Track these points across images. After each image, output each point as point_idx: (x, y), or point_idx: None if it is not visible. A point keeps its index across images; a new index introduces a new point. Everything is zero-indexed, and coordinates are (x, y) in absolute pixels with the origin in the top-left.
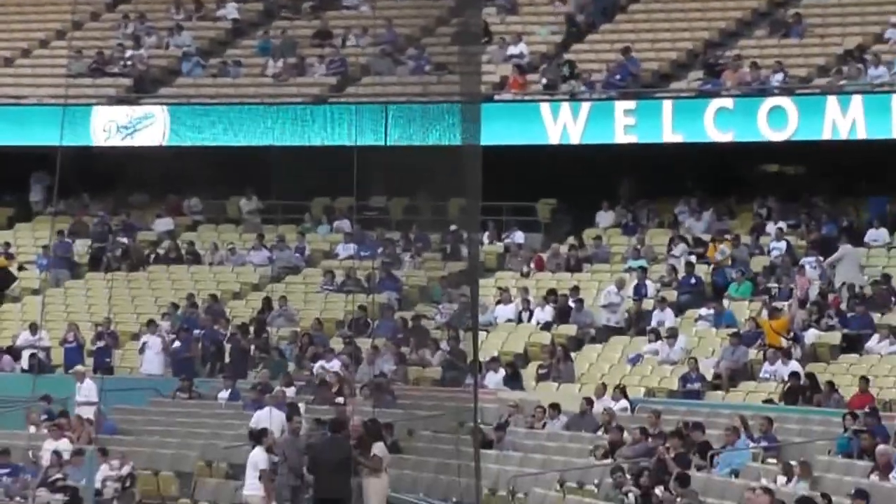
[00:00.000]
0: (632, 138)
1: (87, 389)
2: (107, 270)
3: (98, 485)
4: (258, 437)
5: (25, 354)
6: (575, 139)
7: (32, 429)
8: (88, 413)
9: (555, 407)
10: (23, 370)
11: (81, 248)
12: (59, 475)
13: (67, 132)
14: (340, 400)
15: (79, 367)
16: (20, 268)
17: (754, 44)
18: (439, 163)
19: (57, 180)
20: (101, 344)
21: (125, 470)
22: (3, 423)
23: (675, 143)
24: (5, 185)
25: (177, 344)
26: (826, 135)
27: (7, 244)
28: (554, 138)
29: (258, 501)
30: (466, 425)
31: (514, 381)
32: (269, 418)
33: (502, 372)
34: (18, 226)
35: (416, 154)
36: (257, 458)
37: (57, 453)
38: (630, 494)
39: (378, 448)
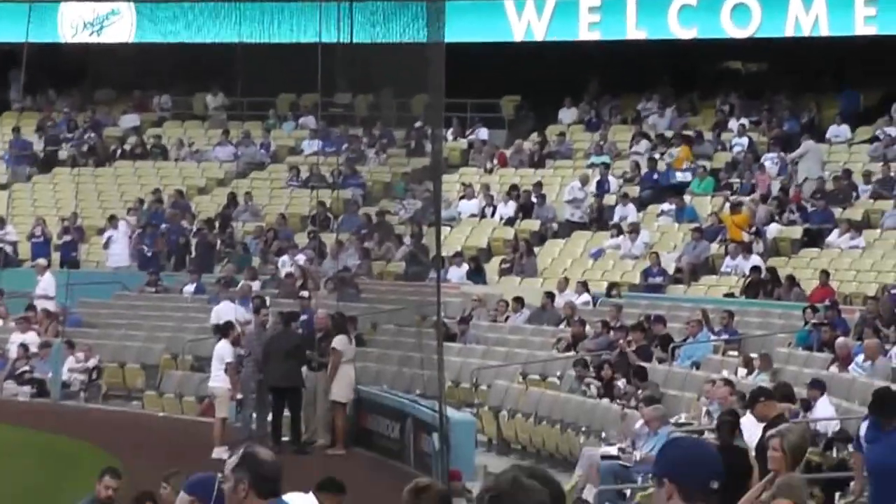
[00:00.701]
0: (595, 35)
1: (46, 283)
2: (73, 166)
3: (65, 377)
4: (224, 330)
5: None
6: (539, 36)
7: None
8: (46, 306)
9: (518, 300)
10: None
11: (49, 143)
12: (26, 367)
13: (34, 29)
14: (305, 294)
15: (40, 261)
16: None
17: None
18: (404, 59)
19: (23, 76)
20: (67, 238)
21: (91, 362)
22: None
23: (638, 39)
24: None
25: (143, 238)
26: (789, 31)
27: None
28: (518, 35)
29: (224, 393)
30: (429, 319)
31: (477, 275)
32: (227, 312)
33: (465, 266)
34: None
35: (381, 51)
36: (223, 350)
37: (24, 346)
38: (592, 386)
39: (340, 341)
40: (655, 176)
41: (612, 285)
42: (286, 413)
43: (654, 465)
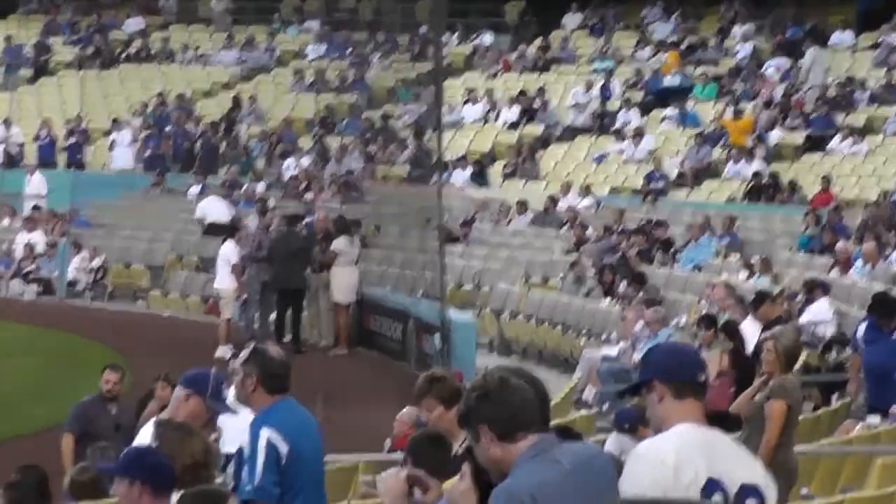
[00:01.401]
0: None
1: (37, 183)
2: (79, 68)
3: (70, 276)
4: (230, 230)
5: None
6: None
7: (6, 221)
8: (38, 205)
9: (522, 204)
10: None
11: (54, 46)
12: (32, 267)
13: None
14: (308, 196)
15: (27, 162)
16: None
17: None
18: None
19: None
20: (72, 140)
21: (97, 262)
22: None
23: None
24: None
25: (148, 141)
26: None
27: None
28: None
29: (229, 293)
30: (432, 221)
31: (480, 178)
32: (212, 208)
33: (469, 170)
34: None
35: None
36: (228, 251)
37: (30, 246)
38: (599, 286)
39: (341, 243)
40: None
41: (647, 192)
42: (289, 313)
43: (641, 371)
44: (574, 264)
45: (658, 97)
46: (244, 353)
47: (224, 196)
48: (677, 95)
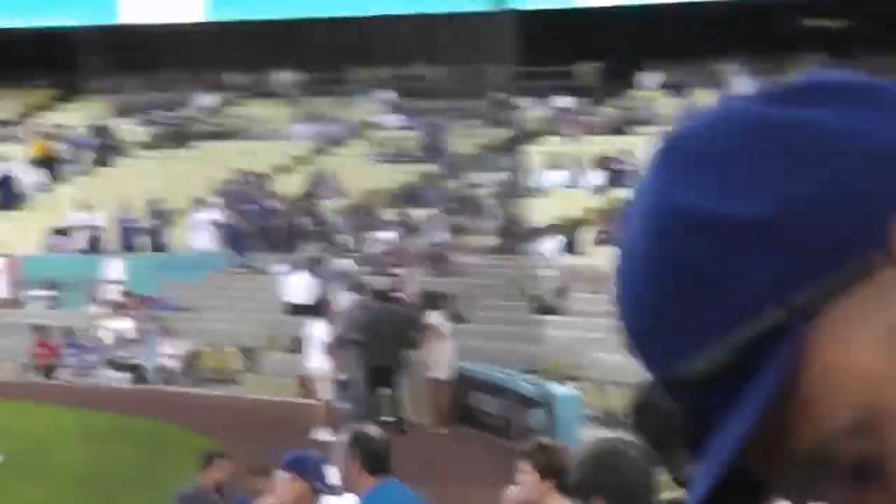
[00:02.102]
0: None
1: (115, 268)
2: (153, 148)
3: (161, 361)
4: (315, 309)
5: (79, 235)
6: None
7: (93, 308)
8: (117, 291)
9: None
10: (80, 251)
11: (127, 127)
12: (122, 353)
13: (106, 10)
14: (396, 271)
15: (106, 246)
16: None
17: None
18: (478, 29)
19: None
20: (153, 222)
21: (187, 346)
22: (64, 303)
23: (715, 1)
24: (48, 64)
25: (228, 219)
26: None
27: (58, 126)
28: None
29: (322, 373)
30: (525, 293)
31: (572, 246)
32: (300, 287)
33: (557, 238)
34: (64, 106)
35: (455, 21)
36: (318, 330)
37: (118, 332)
38: None
39: (435, 317)
40: None
41: None
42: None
43: None
44: None
45: None
46: (344, 437)
47: (309, 273)
48: None
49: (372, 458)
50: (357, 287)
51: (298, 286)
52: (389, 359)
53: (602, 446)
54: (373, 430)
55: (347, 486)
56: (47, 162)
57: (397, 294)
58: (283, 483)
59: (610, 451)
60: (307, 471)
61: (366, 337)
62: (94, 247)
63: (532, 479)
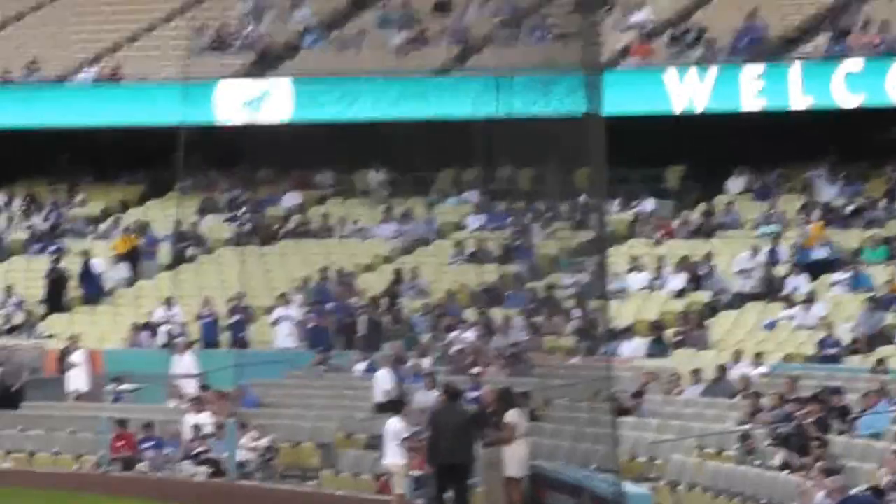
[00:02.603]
0: (760, 103)
1: (186, 362)
2: (238, 245)
3: (240, 457)
4: (396, 406)
5: (162, 330)
6: (700, 106)
7: (173, 403)
8: (189, 386)
9: (696, 373)
10: (162, 346)
11: (212, 223)
12: (201, 448)
13: (191, 109)
14: (475, 370)
15: (179, 340)
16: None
17: (884, 4)
18: (564, 132)
19: (181, 158)
20: (235, 318)
21: (265, 442)
22: (144, 397)
23: (801, 110)
24: (136, 162)
25: (310, 317)
26: None
27: (139, 221)
28: (679, 106)
29: (399, 469)
30: (602, 393)
31: (655, 347)
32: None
33: (637, 340)
34: (150, 203)
35: (541, 124)
36: (396, 426)
37: (198, 427)
38: (776, 457)
39: (513, 416)
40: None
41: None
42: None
43: None
44: (745, 436)
45: (808, 269)
46: None
47: (389, 371)
48: (828, 267)
49: None
50: (436, 385)
51: (378, 384)
52: (459, 457)
53: None
54: None
55: None
56: (132, 257)
57: (475, 393)
58: None
59: None
60: None
61: (436, 435)
62: (176, 342)
63: None
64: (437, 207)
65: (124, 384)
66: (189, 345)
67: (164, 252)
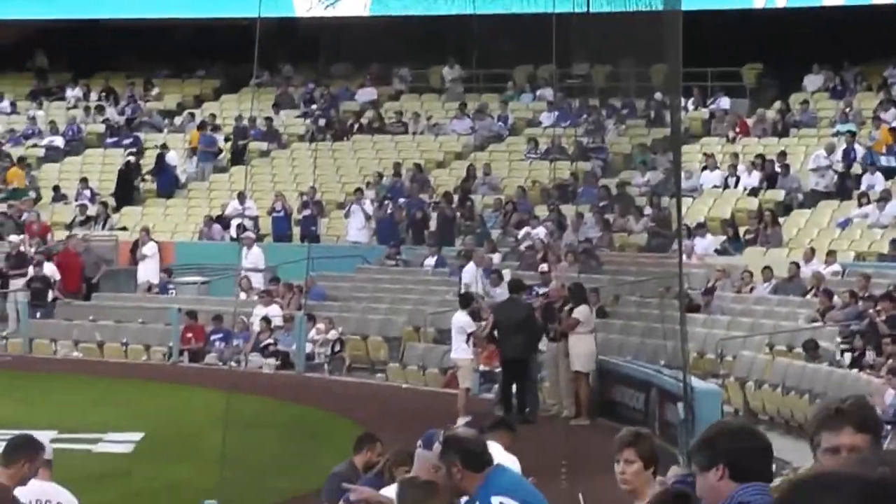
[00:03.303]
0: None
1: (254, 256)
2: (311, 140)
3: (308, 349)
4: (465, 301)
5: (234, 223)
6: (781, 2)
7: (243, 295)
8: (255, 279)
9: (768, 270)
10: (231, 238)
11: (286, 118)
12: (269, 340)
13: (269, 2)
14: (545, 266)
15: (248, 234)
16: (226, 139)
17: None
18: (641, 29)
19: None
20: (307, 213)
21: (333, 335)
22: (214, 290)
23: (884, 3)
24: (212, 56)
25: (382, 212)
26: None
27: (213, 115)
28: (759, 1)
29: (466, 364)
30: (672, 290)
31: (727, 245)
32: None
33: (709, 237)
34: (225, 97)
35: (618, 21)
36: (463, 321)
37: (267, 319)
38: (846, 355)
39: (583, 311)
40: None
41: (858, 255)
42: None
43: None
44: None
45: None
46: (436, 447)
47: (459, 267)
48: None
49: (471, 457)
50: (506, 281)
51: (448, 279)
52: (517, 351)
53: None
54: (462, 430)
55: (459, 493)
56: (206, 152)
57: (544, 288)
58: (424, 459)
59: (732, 424)
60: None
61: (500, 330)
62: (244, 236)
63: (637, 467)
64: (512, 104)
65: (195, 276)
66: (257, 239)
67: (240, 146)
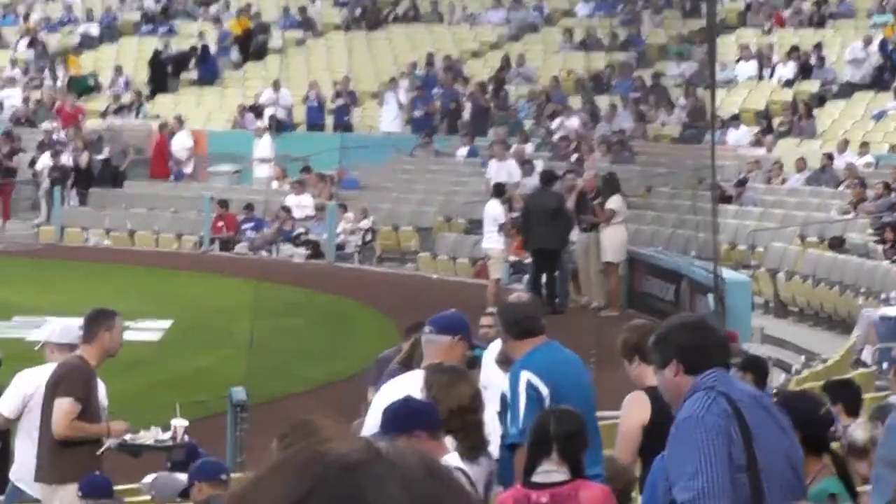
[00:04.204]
0: None
1: (264, 145)
2: (346, 30)
3: (339, 239)
4: (497, 191)
5: (267, 112)
6: None
7: (275, 184)
8: (264, 169)
9: (801, 161)
10: (265, 128)
11: (322, 7)
12: (301, 229)
13: None
14: (577, 156)
15: (258, 123)
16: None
17: None
18: None
19: None
20: (340, 102)
21: (365, 224)
22: (246, 178)
23: None
24: None
25: (416, 102)
26: None
27: (248, 4)
28: None
29: (497, 254)
30: (705, 181)
31: (760, 136)
32: (488, 168)
33: (743, 128)
34: None
35: None
36: (494, 211)
37: (286, 208)
38: (879, 245)
39: (615, 201)
40: None
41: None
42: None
43: None
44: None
45: None
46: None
47: (492, 157)
48: None
49: (513, 324)
50: (538, 172)
51: (480, 170)
52: (548, 241)
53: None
54: (513, 297)
55: (505, 357)
56: (244, 40)
57: (550, 175)
58: (444, 343)
59: (685, 319)
60: (465, 332)
61: (530, 220)
62: (281, 125)
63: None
64: None
65: (227, 164)
66: (266, 128)
67: (275, 35)
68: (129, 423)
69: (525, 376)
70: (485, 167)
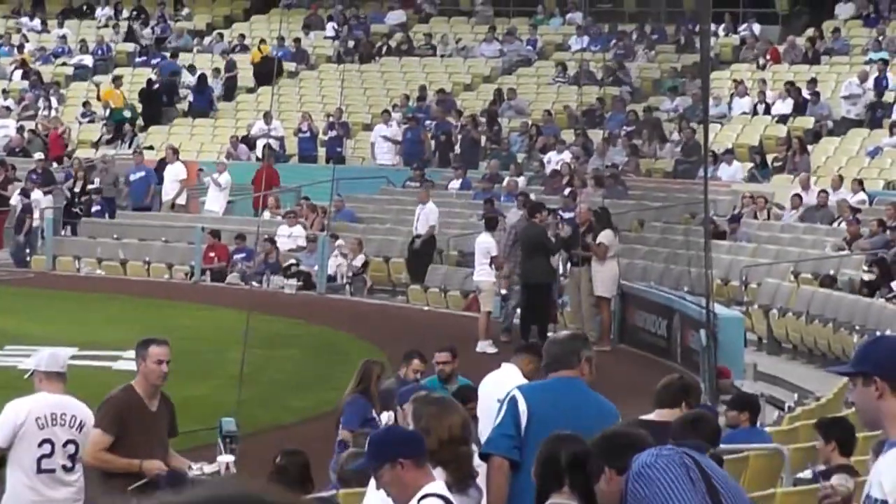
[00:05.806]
0: None
1: (224, 179)
2: (339, 62)
3: (330, 271)
4: (490, 224)
5: (260, 143)
6: None
7: (267, 215)
8: (218, 202)
9: (797, 198)
10: (257, 158)
11: (315, 40)
12: (292, 260)
13: None
14: (569, 190)
15: (222, 160)
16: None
17: None
18: None
19: None
20: (333, 134)
21: (360, 261)
22: (238, 209)
23: None
24: None
25: (408, 134)
26: None
27: (242, 36)
28: None
29: (488, 287)
30: (698, 216)
31: (754, 172)
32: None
33: (736, 164)
34: (254, 18)
35: None
36: (486, 244)
37: (271, 240)
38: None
39: (606, 236)
40: None
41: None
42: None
43: (859, 362)
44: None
45: None
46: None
47: (484, 190)
48: None
49: (545, 359)
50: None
51: (472, 202)
52: (533, 275)
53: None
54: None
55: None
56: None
57: (569, 214)
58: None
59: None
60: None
61: (522, 253)
62: (275, 156)
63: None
64: (541, 27)
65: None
66: (284, 159)
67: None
68: (162, 463)
69: (512, 393)
70: (478, 199)
